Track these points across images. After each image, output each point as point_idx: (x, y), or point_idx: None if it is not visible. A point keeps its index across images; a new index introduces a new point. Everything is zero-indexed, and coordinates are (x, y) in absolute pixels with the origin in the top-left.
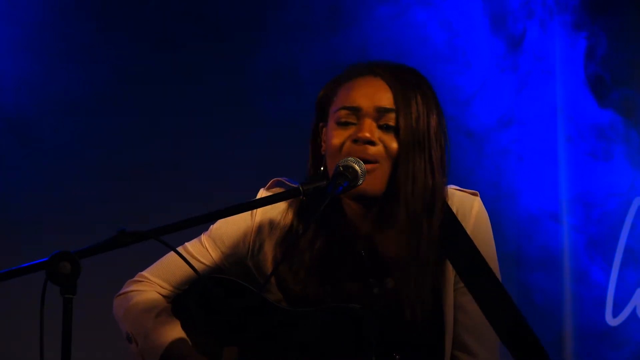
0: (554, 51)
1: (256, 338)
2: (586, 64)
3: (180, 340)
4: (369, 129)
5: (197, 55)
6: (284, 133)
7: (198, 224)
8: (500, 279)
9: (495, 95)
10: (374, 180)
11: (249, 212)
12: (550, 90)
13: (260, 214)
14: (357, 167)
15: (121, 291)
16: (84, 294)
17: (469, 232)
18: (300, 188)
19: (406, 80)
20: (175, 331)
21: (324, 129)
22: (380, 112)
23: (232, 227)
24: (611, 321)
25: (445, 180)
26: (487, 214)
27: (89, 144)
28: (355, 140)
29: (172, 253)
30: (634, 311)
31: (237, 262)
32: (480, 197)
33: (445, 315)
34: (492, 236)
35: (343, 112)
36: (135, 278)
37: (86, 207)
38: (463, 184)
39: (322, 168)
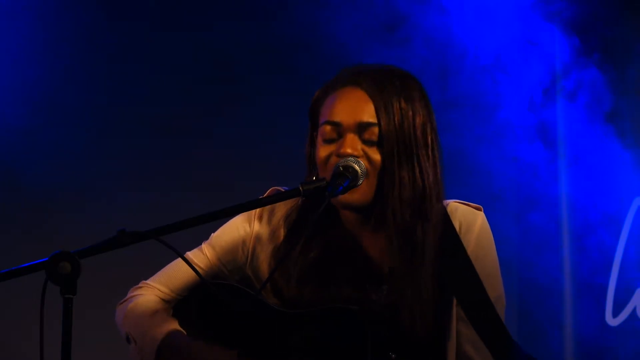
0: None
1: (254, 341)
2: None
3: (175, 331)
4: (351, 145)
5: (204, 58)
6: (287, 135)
7: (198, 224)
8: (503, 293)
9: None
10: (360, 193)
11: (248, 220)
12: (553, 91)
13: (259, 223)
14: (357, 167)
15: (123, 299)
16: (84, 293)
17: (471, 247)
18: (300, 188)
19: (389, 87)
20: (171, 325)
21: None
22: (362, 126)
23: (232, 235)
24: (611, 321)
25: (440, 178)
26: (490, 229)
27: (89, 144)
28: (338, 155)
29: (174, 261)
30: (634, 311)
31: (237, 270)
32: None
33: (445, 322)
34: (495, 252)
35: (327, 127)
36: (138, 285)
37: (86, 207)
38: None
39: (314, 178)
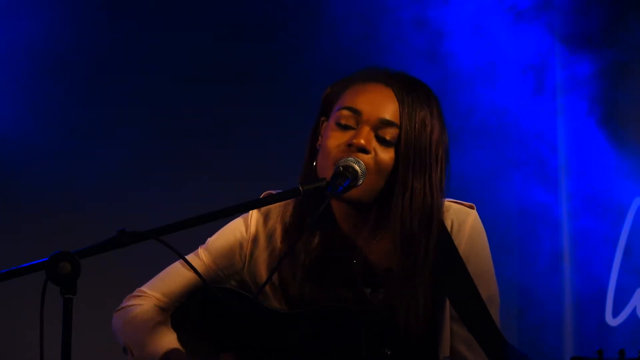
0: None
1: (251, 342)
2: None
3: (174, 350)
4: (366, 137)
5: (203, 58)
6: (287, 135)
7: (198, 224)
8: (497, 292)
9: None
10: (359, 190)
11: (245, 224)
12: (551, 94)
13: (256, 226)
14: (357, 167)
15: (120, 306)
16: (84, 293)
17: (463, 245)
18: (300, 188)
19: (416, 96)
20: (170, 341)
21: (325, 124)
22: (382, 123)
23: (228, 238)
24: (611, 321)
25: (443, 200)
26: (483, 228)
27: (88, 143)
28: (350, 145)
29: (169, 267)
30: (634, 311)
31: (234, 274)
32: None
33: (440, 320)
34: (488, 250)
35: (344, 112)
36: (134, 293)
37: (86, 207)
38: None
39: (314, 163)
